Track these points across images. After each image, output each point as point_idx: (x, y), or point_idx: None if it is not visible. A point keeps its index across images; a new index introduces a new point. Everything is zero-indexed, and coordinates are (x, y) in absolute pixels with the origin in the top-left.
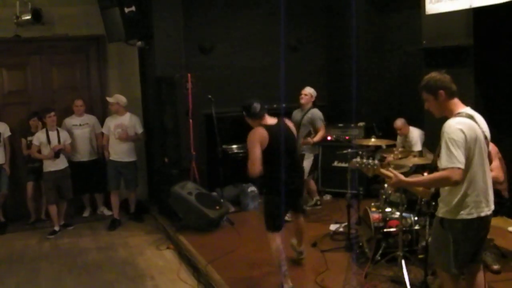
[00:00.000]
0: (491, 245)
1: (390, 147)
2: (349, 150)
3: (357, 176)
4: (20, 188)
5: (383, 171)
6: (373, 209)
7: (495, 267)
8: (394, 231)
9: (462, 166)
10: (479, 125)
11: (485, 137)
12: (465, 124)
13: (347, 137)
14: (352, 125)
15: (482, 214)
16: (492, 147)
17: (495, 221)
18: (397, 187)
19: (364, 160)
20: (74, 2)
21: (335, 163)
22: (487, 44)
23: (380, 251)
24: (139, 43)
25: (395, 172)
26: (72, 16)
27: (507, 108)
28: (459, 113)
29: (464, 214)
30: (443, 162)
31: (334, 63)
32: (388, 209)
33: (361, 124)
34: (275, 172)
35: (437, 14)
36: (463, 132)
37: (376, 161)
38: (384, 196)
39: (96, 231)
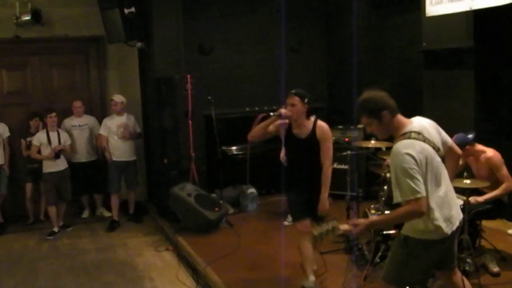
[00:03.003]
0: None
1: (390, 149)
2: (349, 152)
3: (357, 178)
4: (19, 189)
5: (343, 227)
6: (372, 211)
7: (495, 269)
8: (393, 233)
9: (424, 193)
10: (428, 140)
11: (438, 149)
12: (413, 147)
13: (346, 139)
14: (352, 127)
15: (449, 233)
16: (495, 155)
17: (495, 224)
18: (367, 230)
19: (323, 229)
20: (74, 3)
21: (335, 165)
22: (488, 46)
23: (380, 253)
24: (138, 44)
25: (356, 221)
26: (72, 17)
27: (507, 111)
28: (404, 134)
29: (429, 235)
30: (402, 195)
31: (334, 64)
32: (387, 211)
33: (360, 126)
34: None
35: (437, 16)
36: (412, 157)
37: (332, 222)
38: (383, 198)
39: (95, 232)
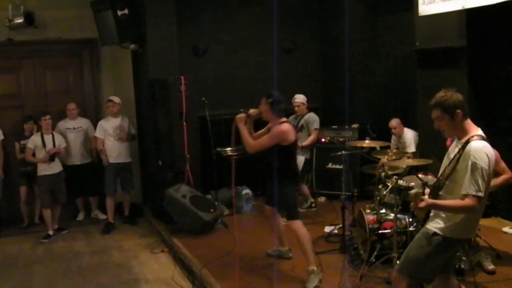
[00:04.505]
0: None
1: (384, 149)
2: (343, 152)
3: (351, 178)
4: (13, 193)
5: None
6: (368, 210)
7: (490, 267)
8: (388, 232)
9: (482, 195)
10: None
11: None
12: (488, 148)
13: (341, 139)
14: (346, 126)
15: (473, 235)
16: (494, 150)
17: (490, 222)
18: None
19: (418, 191)
20: (67, 5)
21: (329, 165)
22: (480, 45)
23: (375, 253)
24: (132, 46)
25: (423, 197)
26: (65, 19)
27: (500, 109)
28: (474, 136)
29: (458, 234)
30: (467, 187)
31: (328, 65)
32: (382, 211)
33: (355, 126)
34: (293, 165)
35: (430, 15)
36: (489, 159)
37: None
38: (378, 198)
39: (90, 235)
